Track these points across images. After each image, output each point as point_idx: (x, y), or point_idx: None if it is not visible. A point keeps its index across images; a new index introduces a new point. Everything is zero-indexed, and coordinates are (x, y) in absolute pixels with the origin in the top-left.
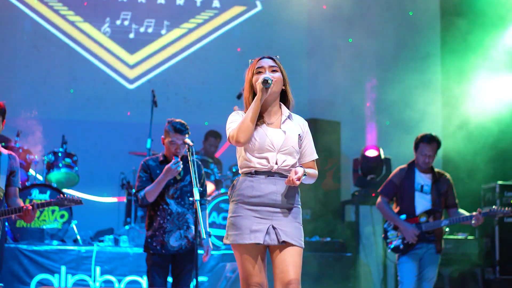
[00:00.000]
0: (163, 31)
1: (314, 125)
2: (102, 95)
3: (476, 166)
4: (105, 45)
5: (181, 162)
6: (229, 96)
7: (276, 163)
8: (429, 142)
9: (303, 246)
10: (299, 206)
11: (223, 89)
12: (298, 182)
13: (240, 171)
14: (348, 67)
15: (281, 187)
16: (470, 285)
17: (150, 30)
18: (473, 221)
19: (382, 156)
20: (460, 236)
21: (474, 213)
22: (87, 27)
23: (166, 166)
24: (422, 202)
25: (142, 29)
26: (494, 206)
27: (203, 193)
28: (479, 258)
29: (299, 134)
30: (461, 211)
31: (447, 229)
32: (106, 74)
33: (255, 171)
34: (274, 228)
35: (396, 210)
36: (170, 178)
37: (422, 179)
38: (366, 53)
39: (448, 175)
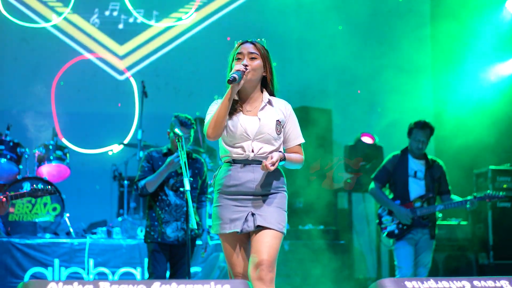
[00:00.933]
0: (152, 21)
1: (306, 113)
2: (93, 86)
3: (468, 151)
4: (94, 36)
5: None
6: (220, 86)
7: (252, 151)
8: (423, 128)
9: (282, 230)
10: (283, 192)
11: (213, 78)
12: (272, 168)
13: (221, 160)
14: (338, 54)
15: (259, 175)
16: (464, 271)
17: (139, 20)
18: (468, 205)
19: (377, 144)
20: (453, 222)
21: (469, 198)
22: (76, 18)
23: (169, 158)
24: (416, 188)
25: (131, 20)
26: (488, 191)
27: (204, 191)
28: (473, 244)
29: (278, 120)
30: (454, 197)
31: (440, 215)
32: (96, 66)
33: (233, 160)
34: (253, 214)
35: (390, 195)
36: (172, 171)
37: (416, 165)
38: (356, 40)
39: (441, 162)
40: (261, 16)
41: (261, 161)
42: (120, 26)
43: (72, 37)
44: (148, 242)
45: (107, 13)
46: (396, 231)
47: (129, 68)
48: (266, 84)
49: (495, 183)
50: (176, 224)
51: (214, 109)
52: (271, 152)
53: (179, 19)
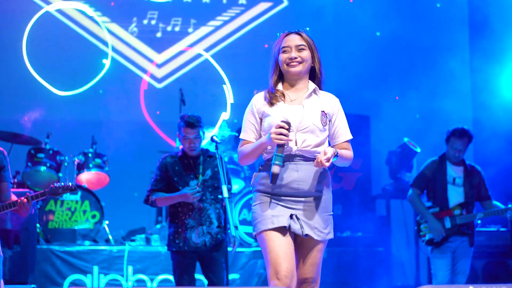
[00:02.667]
0: (190, 29)
1: None
2: (131, 94)
3: (507, 155)
4: (133, 45)
5: (200, 193)
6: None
7: (296, 144)
8: (460, 136)
9: (328, 237)
10: (329, 193)
11: (251, 86)
12: (327, 164)
13: (263, 157)
14: (376, 60)
15: (304, 173)
16: (503, 277)
17: (177, 28)
18: (508, 214)
19: (413, 147)
20: (492, 228)
21: (510, 206)
22: (114, 27)
23: (185, 192)
24: (455, 195)
25: (169, 28)
26: None
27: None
28: None
29: (323, 111)
30: (496, 203)
31: (479, 222)
32: (134, 74)
33: None
34: (298, 218)
35: (428, 202)
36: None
37: (454, 171)
38: (395, 46)
39: (479, 168)
40: (299, 23)
41: (305, 156)
42: (158, 34)
43: (111, 46)
44: (173, 251)
45: (145, 21)
46: (435, 239)
47: (167, 76)
48: (314, 75)
49: None
50: (201, 229)
51: (249, 121)
52: (316, 144)
53: (217, 27)
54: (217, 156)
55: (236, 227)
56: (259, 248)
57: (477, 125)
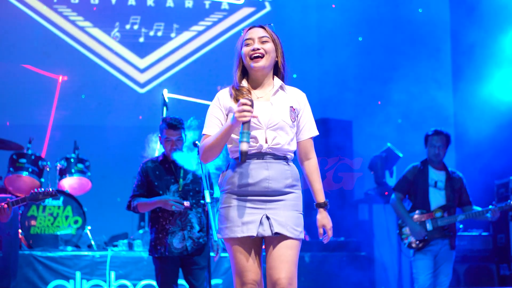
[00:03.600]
0: (172, 34)
1: (326, 124)
2: (114, 99)
3: (490, 161)
4: (115, 50)
5: (183, 206)
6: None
7: (266, 142)
8: (437, 133)
9: (301, 236)
10: (299, 191)
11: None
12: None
13: (229, 156)
14: (358, 65)
15: (274, 172)
16: (485, 282)
17: (159, 33)
18: (488, 215)
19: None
20: (474, 233)
21: (490, 207)
22: (96, 32)
23: (165, 198)
24: (437, 198)
25: (151, 33)
26: (509, 200)
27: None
28: (494, 255)
29: (291, 106)
30: (476, 208)
31: (461, 226)
32: (117, 79)
33: None
34: (267, 218)
35: (409, 206)
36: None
37: (436, 175)
38: (377, 51)
39: (461, 174)
40: (280, 28)
41: (275, 154)
42: (141, 39)
43: (93, 51)
44: (155, 257)
45: (127, 26)
46: (417, 242)
47: (150, 81)
48: (277, 70)
49: None
50: (182, 234)
51: (213, 117)
52: (286, 143)
53: (200, 32)
54: (198, 161)
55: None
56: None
57: (459, 129)
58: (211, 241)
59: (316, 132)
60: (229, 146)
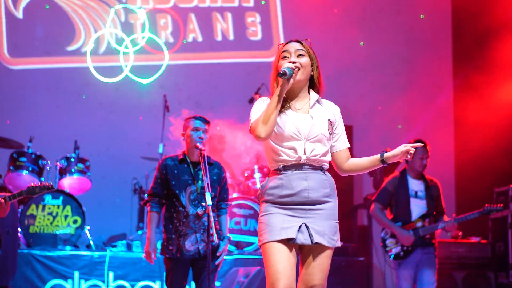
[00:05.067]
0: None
1: None
2: (114, 100)
3: (489, 169)
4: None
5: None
6: (241, 101)
7: (305, 153)
8: (424, 145)
9: (337, 245)
10: (335, 200)
11: (235, 93)
12: None
13: (269, 166)
14: (359, 70)
15: (313, 182)
16: None
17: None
18: (439, 227)
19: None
20: (473, 240)
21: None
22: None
23: (146, 253)
24: (417, 208)
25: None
26: (486, 204)
27: (223, 197)
28: (492, 262)
29: (329, 120)
30: (446, 217)
31: (460, 233)
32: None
33: (283, 167)
34: (307, 227)
35: (390, 216)
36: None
37: (416, 185)
38: (378, 56)
39: (437, 181)
40: (284, 31)
41: (313, 165)
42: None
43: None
44: (166, 257)
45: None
46: (401, 254)
47: (151, 83)
48: (313, 84)
49: None
50: (195, 237)
51: (260, 106)
52: (323, 154)
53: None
54: (201, 165)
55: (229, 240)
56: (240, 256)
57: (459, 136)
58: (210, 244)
59: (348, 144)
60: (267, 159)
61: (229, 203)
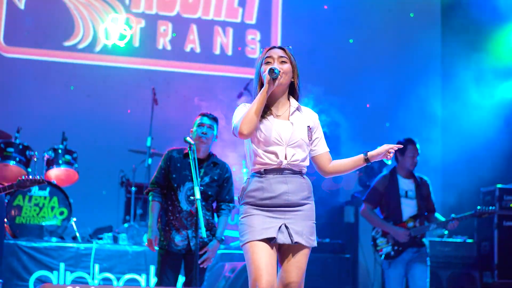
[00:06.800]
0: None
1: None
2: (103, 92)
3: (476, 169)
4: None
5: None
6: (230, 95)
7: (285, 158)
8: (414, 142)
9: (314, 244)
10: (313, 203)
11: (224, 87)
12: None
13: (249, 169)
14: (348, 67)
15: (292, 185)
16: None
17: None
18: (448, 226)
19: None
20: (459, 239)
21: (453, 218)
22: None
23: (148, 240)
24: (408, 208)
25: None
26: (478, 207)
27: (224, 198)
28: (478, 262)
29: (308, 126)
30: (437, 215)
31: (446, 232)
32: (106, 72)
33: (264, 170)
34: (286, 227)
35: (381, 217)
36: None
37: (406, 184)
38: (367, 53)
39: (427, 179)
40: (269, 32)
41: (292, 169)
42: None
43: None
44: (159, 248)
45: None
46: (392, 253)
47: (139, 76)
48: (293, 90)
49: (502, 202)
50: (186, 233)
51: (242, 110)
52: (303, 159)
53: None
54: (190, 157)
55: (221, 241)
56: (226, 251)
57: (447, 135)
58: (197, 239)
59: (327, 149)
60: (248, 162)
61: (230, 204)
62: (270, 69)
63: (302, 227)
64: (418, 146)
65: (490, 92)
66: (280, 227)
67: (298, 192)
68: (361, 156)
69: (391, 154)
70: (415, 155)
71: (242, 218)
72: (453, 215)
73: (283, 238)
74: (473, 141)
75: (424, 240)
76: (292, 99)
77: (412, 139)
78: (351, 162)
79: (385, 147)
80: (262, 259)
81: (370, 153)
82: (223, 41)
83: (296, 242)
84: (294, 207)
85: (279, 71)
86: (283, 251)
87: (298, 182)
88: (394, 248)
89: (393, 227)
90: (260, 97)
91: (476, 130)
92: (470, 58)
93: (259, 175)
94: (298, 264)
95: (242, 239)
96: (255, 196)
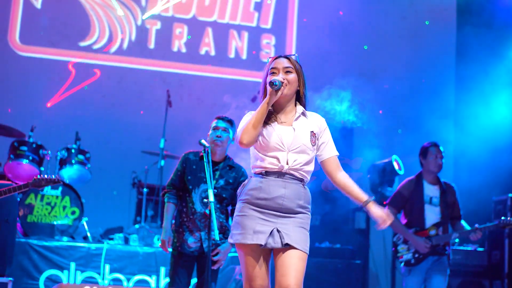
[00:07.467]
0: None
1: None
2: (117, 93)
3: (488, 178)
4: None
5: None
6: (243, 98)
7: (287, 163)
8: (435, 145)
9: (307, 252)
10: (308, 213)
11: (237, 91)
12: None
13: (252, 171)
14: (362, 74)
15: (290, 191)
16: None
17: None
18: (471, 237)
19: (398, 169)
20: (469, 248)
21: (476, 228)
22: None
23: (161, 241)
24: (431, 215)
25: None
26: (503, 217)
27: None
28: (488, 271)
29: (312, 131)
30: (463, 222)
31: (457, 240)
32: (121, 73)
33: (266, 172)
34: (278, 231)
35: (404, 222)
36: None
37: (431, 190)
38: (381, 60)
39: (454, 185)
40: (284, 36)
41: (294, 175)
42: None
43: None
44: (173, 249)
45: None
46: (412, 261)
47: (154, 76)
48: (299, 98)
49: None
50: (199, 235)
51: (247, 119)
52: (306, 162)
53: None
54: (205, 160)
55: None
56: (237, 254)
57: (459, 143)
58: (210, 241)
59: (336, 152)
60: (251, 162)
61: None
62: (270, 81)
63: (295, 232)
64: (441, 148)
65: (506, 98)
66: (271, 232)
67: (294, 199)
68: (365, 198)
69: (381, 227)
70: (438, 156)
71: (236, 216)
72: (476, 225)
73: (273, 243)
74: (486, 149)
75: (447, 248)
76: (298, 106)
77: (432, 142)
78: (354, 193)
79: (382, 215)
80: (255, 262)
81: (369, 205)
82: (238, 44)
83: (286, 244)
84: (288, 213)
85: (281, 83)
86: (278, 257)
87: (296, 189)
88: (415, 255)
89: (413, 236)
90: (261, 109)
91: (490, 138)
92: (486, 66)
93: (260, 176)
94: (294, 267)
95: (233, 237)
96: (251, 195)
